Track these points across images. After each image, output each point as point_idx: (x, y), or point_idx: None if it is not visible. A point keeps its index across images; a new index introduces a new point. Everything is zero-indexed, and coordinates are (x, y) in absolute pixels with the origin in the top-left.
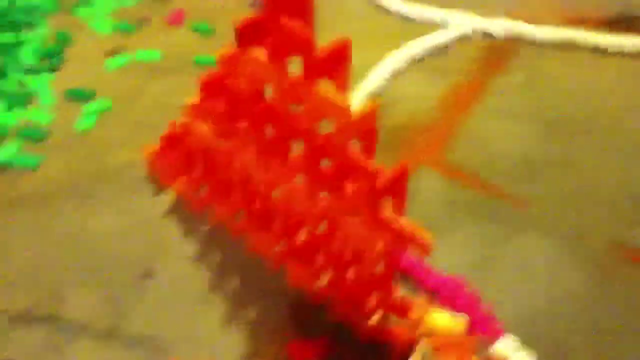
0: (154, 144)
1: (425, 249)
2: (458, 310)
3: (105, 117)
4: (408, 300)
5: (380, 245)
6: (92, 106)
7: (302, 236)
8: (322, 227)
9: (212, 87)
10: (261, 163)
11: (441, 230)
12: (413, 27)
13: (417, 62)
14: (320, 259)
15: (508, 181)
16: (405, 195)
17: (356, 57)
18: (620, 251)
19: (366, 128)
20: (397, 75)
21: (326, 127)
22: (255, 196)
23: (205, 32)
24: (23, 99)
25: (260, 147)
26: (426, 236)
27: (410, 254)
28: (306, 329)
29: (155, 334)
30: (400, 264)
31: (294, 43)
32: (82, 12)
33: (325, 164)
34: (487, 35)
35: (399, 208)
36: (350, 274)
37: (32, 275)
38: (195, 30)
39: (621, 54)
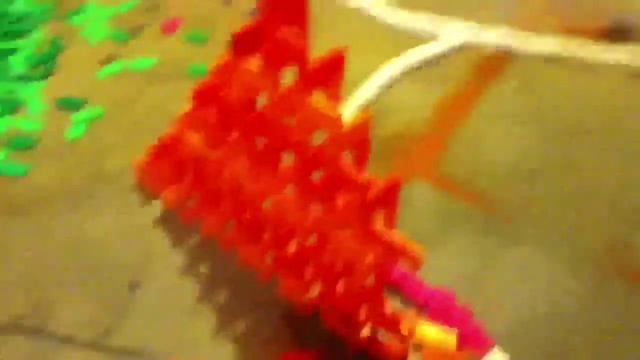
0: (145, 153)
1: (415, 263)
2: (449, 324)
3: (96, 125)
4: (399, 314)
5: (370, 258)
6: (83, 114)
7: (292, 247)
8: (313, 239)
9: (204, 97)
10: (252, 173)
11: (433, 242)
12: (408, 38)
13: (412, 72)
14: (310, 270)
15: (502, 190)
16: (396, 208)
17: (350, 67)
18: (619, 255)
19: (358, 139)
20: (391, 85)
21: (318, 139)
22: (245, 206)
23: (199, 41)
24: (12, 107)
25: (252, 157)
26: (417, 249)
27: (401, 267)
28: (299, 340)
29: (145, 344)
30: (391, 276)
31: (288, 53)
32: (77, 19)
33: (317, 175)
34: (481, 45)
35: (390, 220)
36: (341, 286)
37: (19, 284)
38: (189, 38)
39: (615, 64)
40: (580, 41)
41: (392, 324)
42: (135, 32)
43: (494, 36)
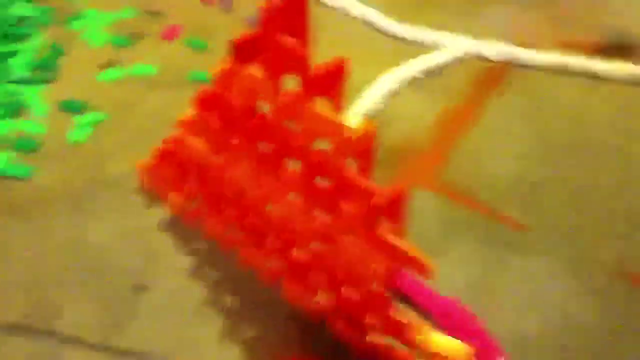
0: (148, 157)
1: (424, 272)
2: (457, 333)
3: (98, 130)
4: (406, 321)
5: (376, 266)
6: (86, 118)
7: (296, 253)
8: (317, 245)
9: (206, 103)
10: (254, 179)
11: (436, 251)
12: (408, 48)
13: (413, 83)
14: (315, 276)
15: (504, 201)
16: (403, 217)
17: (352, 76)
18: (620, 271)
19: (364, 148)
20: (392, 95)
21: (321, 145)
22: (248, 211)
23: (200, 48)
24: (15, 110)
25: (254, 163)
26: (426, 260)
27: (409, 275)
28: (306, 345)
29: (149, 347)
30: (399, 284)
31: (289, 60)
32: (77, 24)
33: (320, 181)
34: (481, 57)
35: (398, 230)
36: (347, 293)
37: (24, 285)
38: (190, 45)
39: (613, 80)
40: (582, 55)
41: (400, 331)
42: (135, 38)
43: (495, 48)
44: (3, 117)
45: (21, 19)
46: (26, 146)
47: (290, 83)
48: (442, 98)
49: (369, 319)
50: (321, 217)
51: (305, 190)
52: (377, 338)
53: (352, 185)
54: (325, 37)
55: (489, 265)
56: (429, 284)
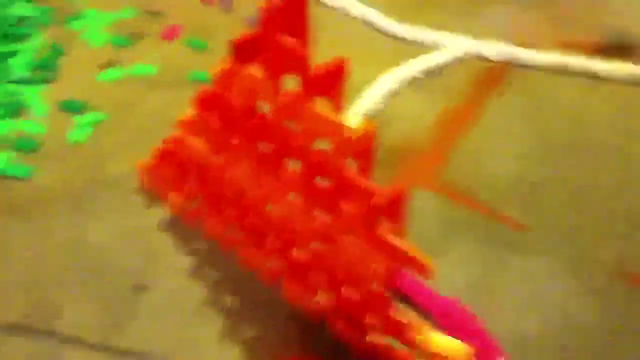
0: (148, 157)
1: (424, 272)
2: (458, 333)
3: (98, 130)
4: (407, 321)
5: (376, 266)
6: (86, 118)
7: (296, 253)
8: (317, 245)
9: (206, 103)
10: (255, 179)
11: (435, 251)
12: (408, 48)
13: (413, 83)
14: (315, 276)
15: (504, 201)
16: (403, 217)
17: (352, 76)
18: (620, 272)
19: (364, 148)
20: (392, 95)
21: (321, 145)
22: (248, 211)
23: (200, 48)
24: (15, 110)
25: (254, 162)
26: (426, 260)
27: (409, 275)
28: (306, 345)
29: (150, 348)
30: (399, 284)
31: (289, 60)
32: (77, 24)
33: (320, 181)
34: (481, 57)
35: (398, 230)
36: (347, 293)
37: (24, 285)
38: (190, 45)
39: (613, 80)
40: (582, 55)
41: (400, 331)
42: (135, 38)
43: (495, 48)
44: (3, 117)
45: (21, 19)
46: (26, 146)
47: (290, 83)
48: (442, 98)
49: (369, 319)
50: (321, 217)
51: (305, 190)
52: (377, 338)
53: (352, 185)
54: (325, 37)
55: (489, 265)
56: (429, 284)
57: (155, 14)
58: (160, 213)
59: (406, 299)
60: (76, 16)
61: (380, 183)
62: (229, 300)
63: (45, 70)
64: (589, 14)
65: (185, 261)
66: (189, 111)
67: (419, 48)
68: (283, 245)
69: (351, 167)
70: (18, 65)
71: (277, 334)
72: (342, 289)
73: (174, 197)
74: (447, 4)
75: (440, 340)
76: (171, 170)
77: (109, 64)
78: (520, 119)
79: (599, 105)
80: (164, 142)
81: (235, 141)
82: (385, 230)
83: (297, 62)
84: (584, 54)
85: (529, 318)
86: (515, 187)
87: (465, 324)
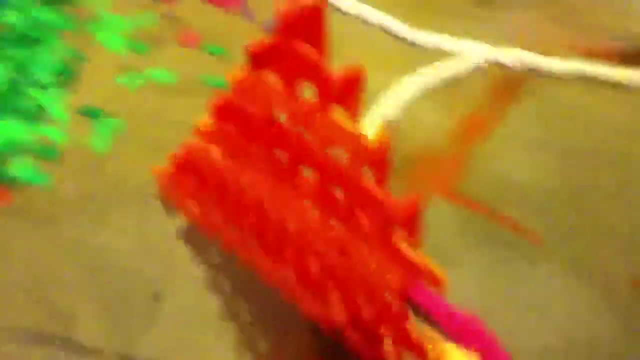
0: (165, 165)
1: (437, 285)
2: (473, 347)
3: (119, 137)
4: (422, 334)
5: (392, 278)
6: (106, 124)
7: (313, 265)
8: (334, 256)
9: (223, 111)
10: (271, 188)
11: (451, 262)
12: (425, 56)
13: (430, 91)
14: (332, 288)
15: (522, 212)
16: (419, 228)
17: (368, 84)
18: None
19: (380, 157)
20: (408, 103)
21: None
22: (265, 221)
23: (219, 55)
24: (36, 116)
25: (271, 172)
26: (439, 272)
27: (426, 287)
28: (322, 357)
29: (165, 357)
30: (415, 297)
31: (306, 68)
32: (96, 29)
33: (337, 191)
34: (500, 65)
35: (414, 241)
36: (362, 306)
37: (39, 293)
38: (209, 52)
39: (635, 88)
40: (600, 63)
41: (415, 344)
42: (154, 44)
43: (514, 56)
44: (23, 122)
45: (41, 24)
46: (45, 153)
47: (307, 91)
48: (459, 106)
49: (383, 331)
50: (337, 228)
51: (321, 201)
52: (392, 350)
53: (368, 195)
54: (342, 45)
55: (507, 276)
56: (444, 296)
57: (174, 20)
58: (177, 222)
59: (422, 312)
60: (96, 21)
61: (396, 193)
62: (245, 310)
63: (65, 75)
64: (611, 21)
65: (202, 270)
66: (205, 118)
67: (436, 55)
68: (300, 257)
69: (367, 177)
70: (37, 70)
71: (293, 345)
72: (357, 301)
73: (191, 205)
74: (466, 11)
75: (455, 354)
76: (188, 178)
77: (129, 70)
78: (538, 127)
79: (621, 113)
80: (181, 149)
81: (252, 150)
82: (399, 241)
83: (314, 70)
84: (605, 62)
85: (549, 333)
86: (534, 196)
87: (480, 337)
